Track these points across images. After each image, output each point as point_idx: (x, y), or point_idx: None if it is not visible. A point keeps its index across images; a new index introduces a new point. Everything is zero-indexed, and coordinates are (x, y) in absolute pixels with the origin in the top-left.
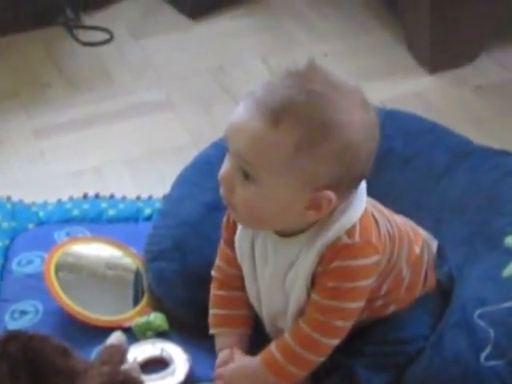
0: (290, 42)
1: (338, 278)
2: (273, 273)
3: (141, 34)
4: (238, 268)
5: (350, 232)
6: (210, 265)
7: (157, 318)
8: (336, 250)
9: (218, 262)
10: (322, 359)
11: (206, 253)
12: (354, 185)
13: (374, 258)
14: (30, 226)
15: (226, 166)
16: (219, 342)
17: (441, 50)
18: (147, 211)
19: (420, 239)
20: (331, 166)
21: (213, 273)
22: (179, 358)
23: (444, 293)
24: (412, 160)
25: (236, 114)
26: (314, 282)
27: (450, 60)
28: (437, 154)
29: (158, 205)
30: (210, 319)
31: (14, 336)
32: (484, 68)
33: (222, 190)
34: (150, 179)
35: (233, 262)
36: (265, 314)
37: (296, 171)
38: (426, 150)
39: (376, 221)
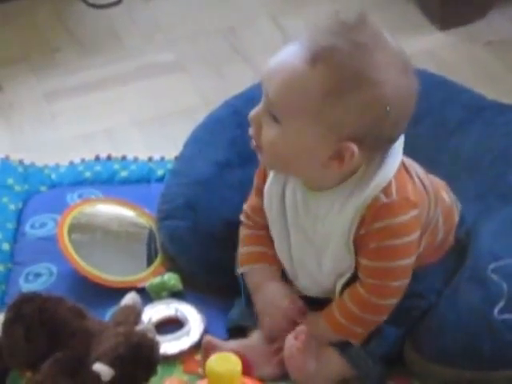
0: (300, 1)
1: (380, 238)
2: (304, 223)
3: None
4: (263, 217)
5: (386, 190)
6: (222, 222)
7: (171, 278)
8: (375, 210)
9: (245, 207)
10: (385, 317)
11: (217, 211)
12: (380, 145)
13: (412, 213)
14: (43, 188)
15: (257, 107)
16: (257, 276)
17: (451, 6)
18: (159, 172)
19: (445, 187)
20: (358, 118)
21: (241, 217)
22: (194, 319)
23: (461, 251)
24: (424, 116)
25: (276, 56)
26: (356, 245)
27: (460, 16)
28: (449, 110)
29: (169, 166)
30: (241, 257)
31: (29, 298)
32: (495, 24)
33: (250, 130)
34: (161, 141)
35: (258, 210)
36: (297, 266)
37: (322, 117)
38: (438, 106)
39: (409, 173)
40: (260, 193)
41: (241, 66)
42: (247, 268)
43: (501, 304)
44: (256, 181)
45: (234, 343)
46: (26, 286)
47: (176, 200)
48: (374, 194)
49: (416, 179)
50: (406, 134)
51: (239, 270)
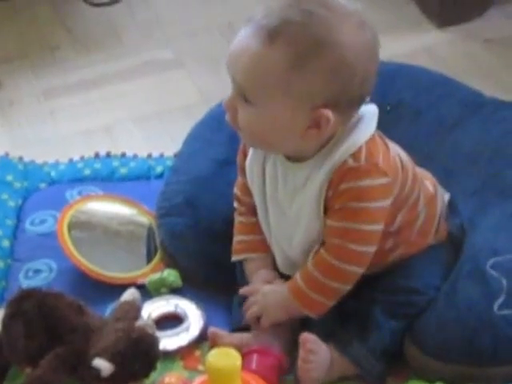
0: None
1: (344, 199)
2: (282, 197)
3: None
4: (251, 196)
5: (355, 155)
6: (222, 219)
7: (170, 275)
8: (342, 172)
9: (235, 190)
10: (347, 287)
11: (217, 207)
12: (353, 105)
13: (381, 180)
14: (42, 185)
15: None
16: (249, 266)
17: (450, 4)
18: (159, 169)
19: (431, 179)
20: (326, 84)
21: (234, 203)
22: (193, 314)
23: (456, 245)
24: (423, 112)
25: (235, 40)
26: (325, 208)
27: (459, 14)
28: (448, 106)
29: (169, 163)
30: (234, 246)
31: (28, 294)
32: (493, 21)
33: (227, 116)
34: (160, 138)
35: (246, 190)
36: (274, 242)
37: (291, 90)
38: (436, 103)
39: (387, 145)
40: (244, 172)
41: None
42: (240, 257)
43: (500, 299)
44: (238, 161)
45: (239, 335)
46: (26, 282)
47: (176, 197)
48: (343, 158)
49: (392, 153)
50: (405, 129)
51: (233, 258)
